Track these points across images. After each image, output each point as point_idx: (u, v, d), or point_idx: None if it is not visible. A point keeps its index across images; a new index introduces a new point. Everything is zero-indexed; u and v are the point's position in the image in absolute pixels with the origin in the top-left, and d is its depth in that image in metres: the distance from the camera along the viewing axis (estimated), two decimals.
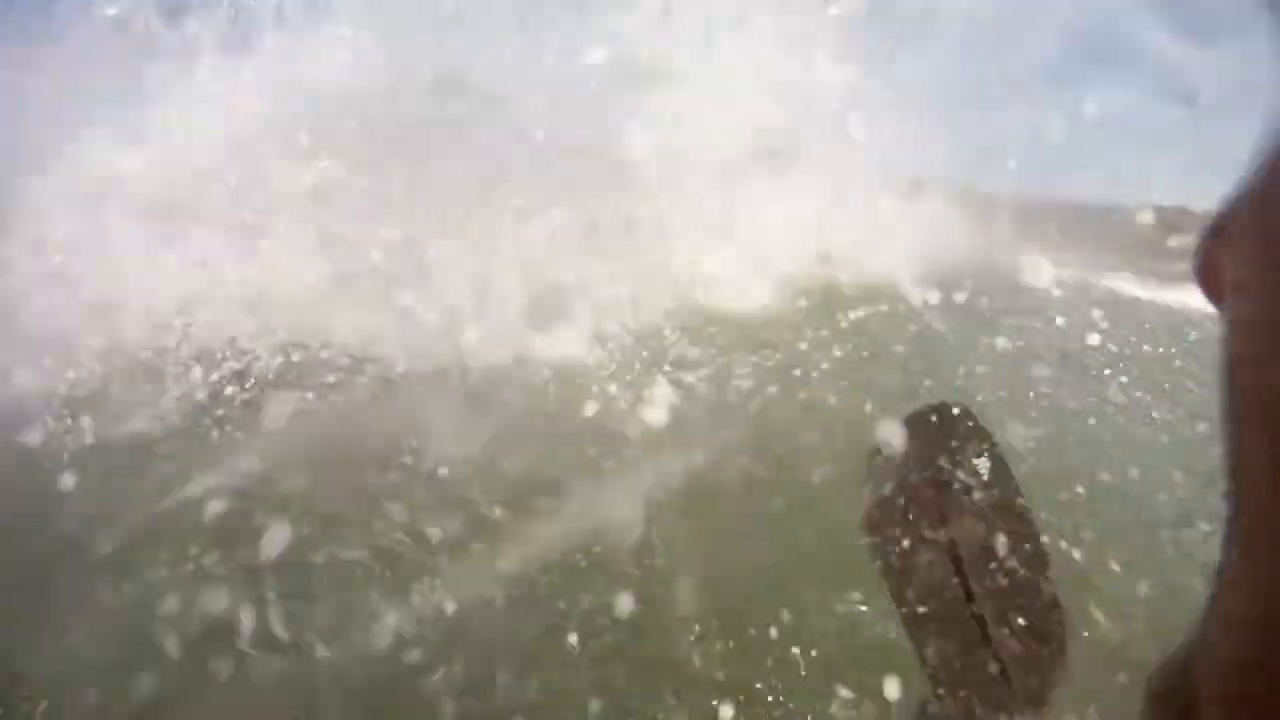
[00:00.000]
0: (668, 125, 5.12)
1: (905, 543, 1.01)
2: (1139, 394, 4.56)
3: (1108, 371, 4.69)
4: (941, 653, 0.95)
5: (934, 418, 1.07)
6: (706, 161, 5.18)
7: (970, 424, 1.10)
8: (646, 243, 4.69)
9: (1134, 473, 3.40)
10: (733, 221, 5.02)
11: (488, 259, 4.51)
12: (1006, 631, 0.94)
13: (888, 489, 1.06)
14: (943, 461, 1.06)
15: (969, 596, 0.98)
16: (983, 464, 1.07)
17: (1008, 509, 1.01)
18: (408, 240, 4.55)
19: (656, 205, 4.80)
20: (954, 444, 1.09)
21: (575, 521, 2.90)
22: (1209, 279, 0.41)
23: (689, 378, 3.93)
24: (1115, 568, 2.70)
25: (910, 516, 1.03)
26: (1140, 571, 2.67)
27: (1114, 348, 4.97)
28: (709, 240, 4.90)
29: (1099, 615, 2.38)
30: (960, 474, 1.06)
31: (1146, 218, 5.83)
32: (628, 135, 4.99)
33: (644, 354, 4.14)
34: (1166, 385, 4.64)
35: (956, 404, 1.13)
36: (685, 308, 4.54)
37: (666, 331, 4.36)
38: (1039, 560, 0.99)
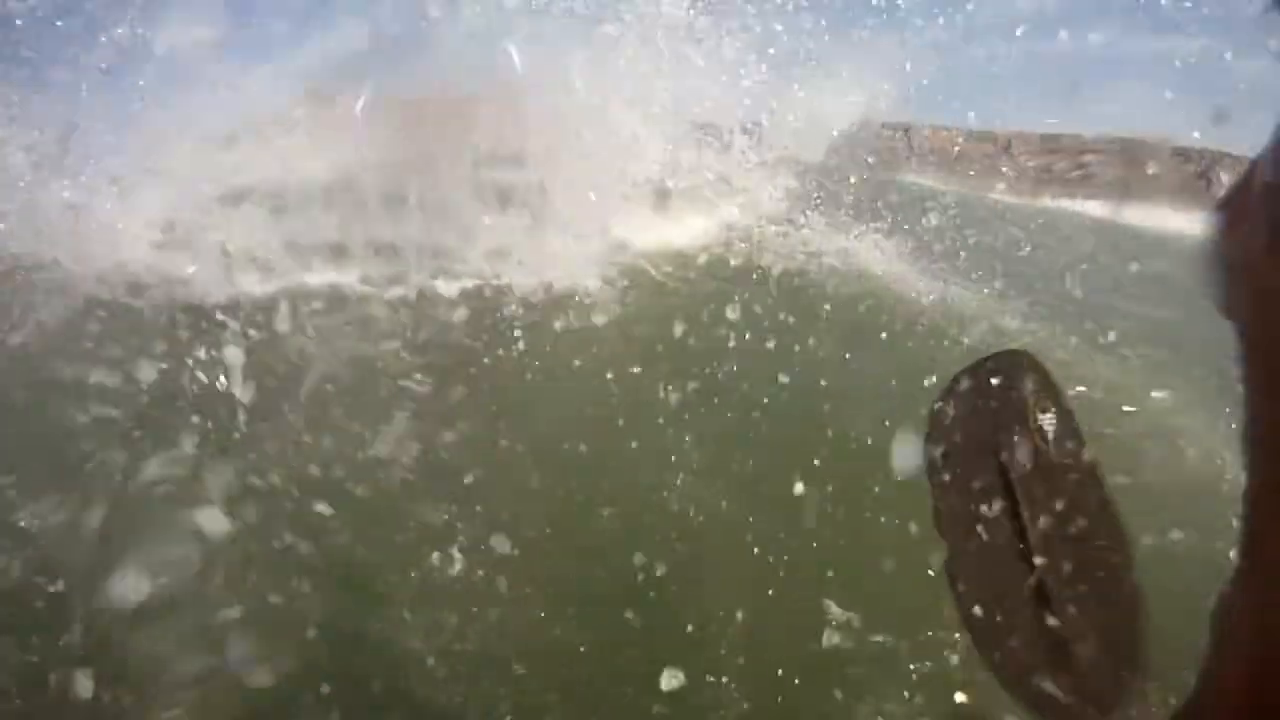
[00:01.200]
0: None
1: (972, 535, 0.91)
2: None
3: None
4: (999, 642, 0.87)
5: (991, 366, 0.96)
6: None
7: (1037, 375, 0.98)
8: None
9: None
10: None
11: None
12: (1076, 616, 0.85)
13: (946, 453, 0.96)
14: (1001, 422, 0.96)
15: (1039, 587, 0.88)
16: (1048, 420, 0.96)
17: (1075, 476, 0.90)
18: None
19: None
20: (1015, 397, 0.97)
21: None
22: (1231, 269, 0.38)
23: None
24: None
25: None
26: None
27: None
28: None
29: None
30: (1018, 433, 0.96)
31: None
32: None
33: None
34: None
35: (1023, 351, 1.01)
36: None
37: None
38: (1116, 538, 0.87)
